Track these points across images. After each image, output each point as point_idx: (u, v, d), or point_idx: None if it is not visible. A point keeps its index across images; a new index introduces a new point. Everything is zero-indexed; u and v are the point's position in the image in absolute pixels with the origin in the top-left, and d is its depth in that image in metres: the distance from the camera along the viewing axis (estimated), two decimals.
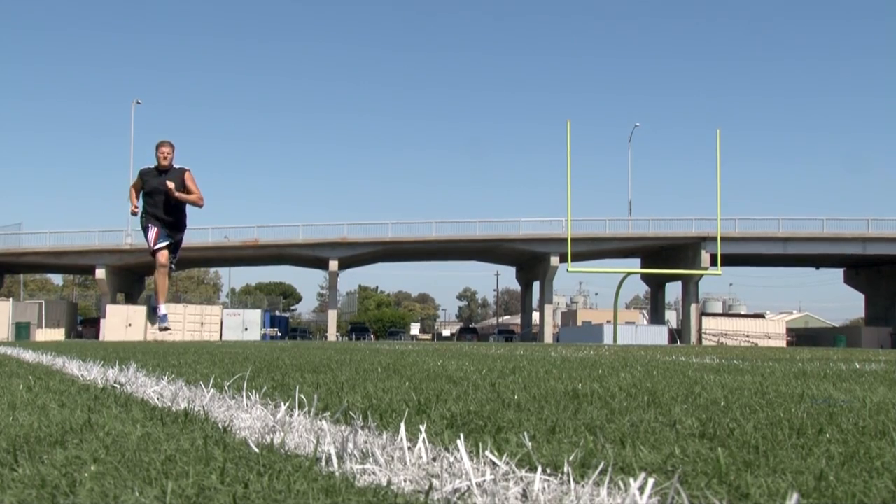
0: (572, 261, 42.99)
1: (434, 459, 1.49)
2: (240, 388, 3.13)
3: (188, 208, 9.71)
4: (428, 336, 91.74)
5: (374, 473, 1.39)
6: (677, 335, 58.21)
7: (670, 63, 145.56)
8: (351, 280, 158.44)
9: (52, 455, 1.60)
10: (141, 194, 9.49)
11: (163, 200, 9.11)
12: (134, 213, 9.31)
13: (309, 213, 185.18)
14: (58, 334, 52.37)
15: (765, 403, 2.91)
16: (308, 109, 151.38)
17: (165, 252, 9.31)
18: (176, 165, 9.25)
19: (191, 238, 55.40)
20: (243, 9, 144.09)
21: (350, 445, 1.60)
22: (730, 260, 55.36)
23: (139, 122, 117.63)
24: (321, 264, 60.24)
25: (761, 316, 67.74)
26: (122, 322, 51.70)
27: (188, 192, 9.30)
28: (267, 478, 1.37)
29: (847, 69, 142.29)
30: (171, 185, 9.11)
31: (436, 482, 1.30)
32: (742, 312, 75.85)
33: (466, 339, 63.20)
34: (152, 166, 9.16)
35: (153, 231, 9.27)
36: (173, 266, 9.66)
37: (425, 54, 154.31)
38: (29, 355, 8.35)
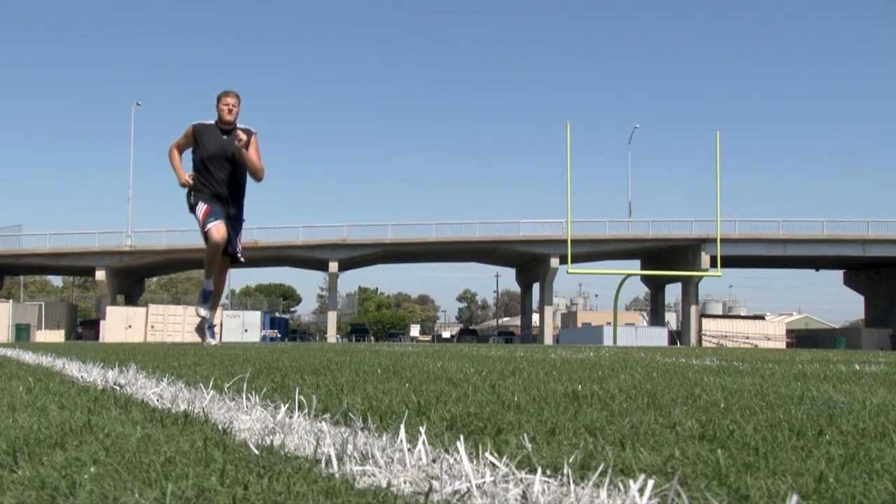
0: (572, 262, 43.02)
1: (434, 461, 1.49)
2: (240, 390, 3.13)
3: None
4: (428, 337, 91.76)
5: (373, 475, 1.39)
6: (677, 337, 58.21)
7: (670, 65, 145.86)
8: (351, 281, 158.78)
9: (51, 457, 1.60)
10: (190, 161, 7.28)
11: (226, 168, 7.06)
12: (185, 185, 7.06)
13: (309, 215, 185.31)
14: (57, 336, 52.38)
15: (765, 405, 2.91)
16: (308, 110, 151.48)
17: (222, 228, 7.17)
18: (240, 126, 7.23)
19: (190, 239, 55.55)
20: (243, 10, 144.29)
21: (350, 447, 1.60)
22: (730, 261, 55.41)
23: (139, 123, 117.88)
24: (321, 266, 60.25)
25: (761, 317, 67.74)
26: (121, 323, 51.72)
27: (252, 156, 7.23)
28: (267, 479, 1.37)
29: (847, 70, 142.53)
30: (242, 136, 6.88)
31: (436, 484, 1.30)
32: (742, 314, 75.90)
33: (466, 341, 63.21)
34: (211, 122, 7.20)
35: (202, 208, 7.21)
36: (241, 258, 7.29)
37: (425, 55, 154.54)
38: (29, 357, 8.35)
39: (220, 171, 7.11)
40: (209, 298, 7.47)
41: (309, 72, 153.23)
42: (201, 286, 7.84)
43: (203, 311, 7.57)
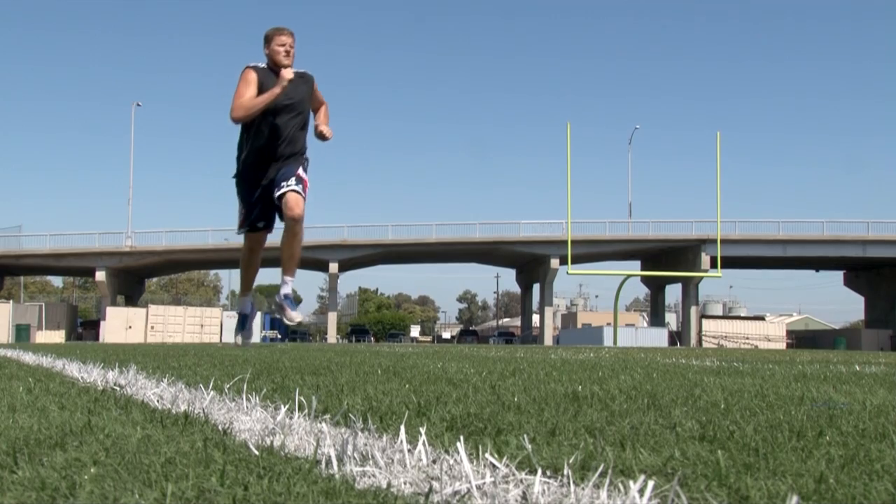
0: (572, 263, 43.02)
1: (434, 462, 1.49)
2: (240, 391, 3.13)
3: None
4: (428, 338, 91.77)
5: (374, 476, 1.39)
6: (677, 337, 58.20)
7: (670, 65, 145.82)
8: (351, 282, 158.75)
9: (51, 457, 1.60)
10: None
11: (290, 120, 5.90)
12: (286, 78, 5.79)
13: (308, 215, 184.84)
14: (58, 336, 52.37)
15: (765, 406, 2.91)
16: None
17: (255, 237, 6.24)
18: (295, 70, 6.04)
19: (190, 240, 55.57)
20: (242, 10, 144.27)
21: (350, 448, 1.60)
22: (730, 262, 55.39)
23: (139, 123, 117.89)
24: (321, 266, 60.21)
25: (761, 318, 67.73)
26: (122, 324, 51.73)
27: (323, 116, 6.20)
28: (267, 480, 1.37)
29: (847, 70, 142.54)
30: (326, 130, 5.96)
31: (436, 484, 1.30)
32: (742, 315, 75.87)
33: (466, 342, 63.20)
34: (262, 65, 5.96)
35: (239, 207, 6.16)
36: (292, 186, 6.03)
37: (425, 56, 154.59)
38: (29, 357, 8.34)
39: (283, 125, 5.92)
40: (246, 323, 6.56)
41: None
42: (237, 311, 6.67)
43: (242, 343, 6.58)
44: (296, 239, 6.23)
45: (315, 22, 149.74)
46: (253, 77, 5.87)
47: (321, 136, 6.20)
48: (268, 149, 5.94)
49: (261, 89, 5.81)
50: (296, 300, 6.35)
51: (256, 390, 3.22)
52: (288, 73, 5.75)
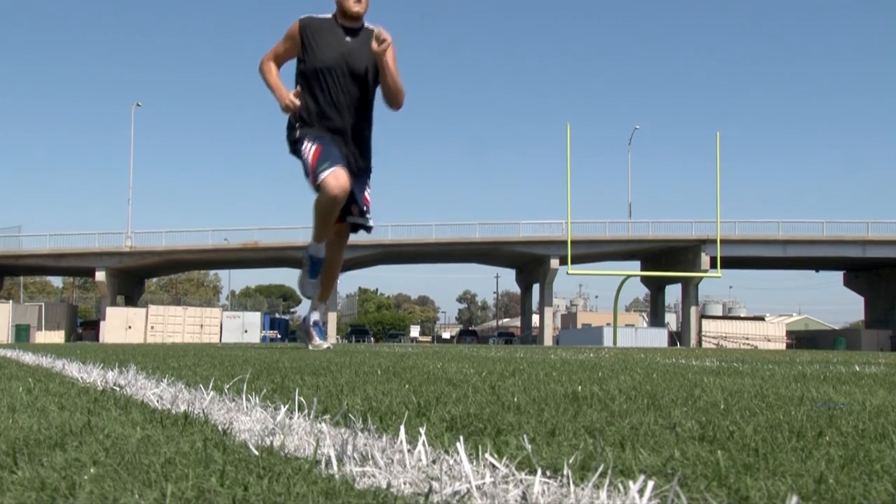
0: (572, 263, 43.05)
1: (434, 462, 1.49)
2: (239, 391, 3.13)
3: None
4: (428, 338, 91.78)
5: (373, 476, 1.39)
6: (677, 338, 58.22)
7: (670, 65, 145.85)
8: (351, 282, 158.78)
9: (51, 457, 1.60)
10: (295, 79, 5.00)
11: (350, 87, 4.82)
12: (289, 109, 4.71)
13: (308, 216, 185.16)
14: (57, 336, 52.38)
15: (764, 406, 2.91)
16: None
17: (342, 176, 4.75)
18: (369, 24, 5.00)
19: (190, 240, 55.56)
20: (242, 10, 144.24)
21: (350, 448, 1.60)
22: (730, 262, 55.44)
23: (139, 124, 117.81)
24: None
25: (761, 318, 67.76)
26: (121, 324, 51.77)
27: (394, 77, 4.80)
28: (267, 480, 1.37)
29: (847, 70, 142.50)
30: (385, 38, 4.61)
31: (435, 485, 1.30)
32: (742, 315, 75.88)
33: (466, 342, 63.22)
34: (328, 15, 5.01)
35: (311, 148, 4.78)
36: (369, 221, 4.85)
37: (426, 56, 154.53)
38: (29, 357, 8.34)
39: (339, 92, 4.88)
40: (320, 269, 5.31)
41: None
42: (307, 253, 5.37)
43: (311, 292, 5.37)
44: (340, 255, 5.64)
45: None
46: (294, 33, 5.14)
47: (379, 41, 4.99)
48: (320, 113, 5.00)
49: (307, 44, 5.03)
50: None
51: (256, 390, 3.22)
52: (291, 103, 4.84)
